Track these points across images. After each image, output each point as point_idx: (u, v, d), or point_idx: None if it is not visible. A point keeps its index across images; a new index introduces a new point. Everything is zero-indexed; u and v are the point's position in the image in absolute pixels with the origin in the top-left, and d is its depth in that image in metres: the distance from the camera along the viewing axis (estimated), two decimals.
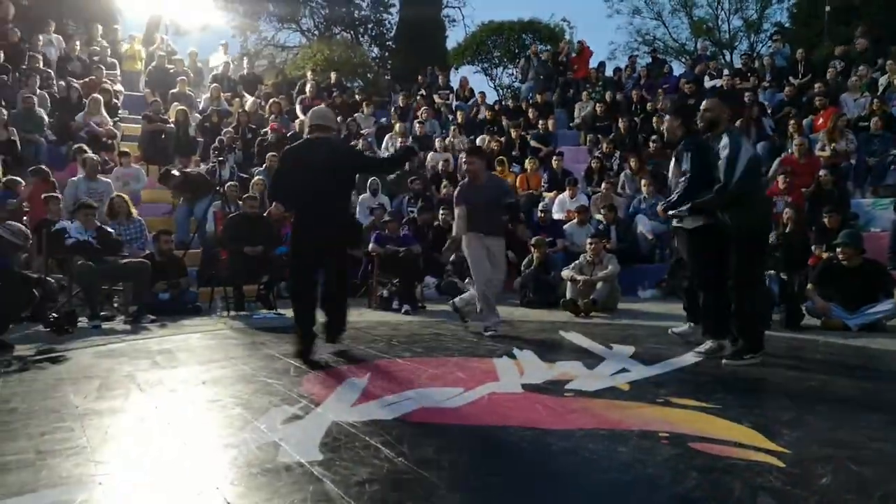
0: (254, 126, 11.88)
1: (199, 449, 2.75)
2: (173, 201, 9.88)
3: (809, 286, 6.09)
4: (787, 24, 24.32)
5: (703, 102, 4.62)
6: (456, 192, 6.09)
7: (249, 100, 13.12)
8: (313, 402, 3.43)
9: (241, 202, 8.10)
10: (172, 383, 3.92)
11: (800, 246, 7.02)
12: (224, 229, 7.49)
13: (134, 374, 4.17)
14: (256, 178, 9.68)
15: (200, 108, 12.84)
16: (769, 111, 11.19)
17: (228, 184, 8.93)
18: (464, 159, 6.25)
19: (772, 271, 6.26)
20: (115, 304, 7.08)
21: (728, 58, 24.82)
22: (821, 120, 10.07)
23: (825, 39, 16.26)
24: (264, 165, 10.35)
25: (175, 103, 11.98)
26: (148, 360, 4.65)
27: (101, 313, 6.45)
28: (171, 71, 13.33)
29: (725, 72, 13.83)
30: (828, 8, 16.63)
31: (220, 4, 21.32)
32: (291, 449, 2.67)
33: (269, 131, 11.53)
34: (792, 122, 9.87)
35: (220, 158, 9.56)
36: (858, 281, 5.76)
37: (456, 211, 5.91)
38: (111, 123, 11.01)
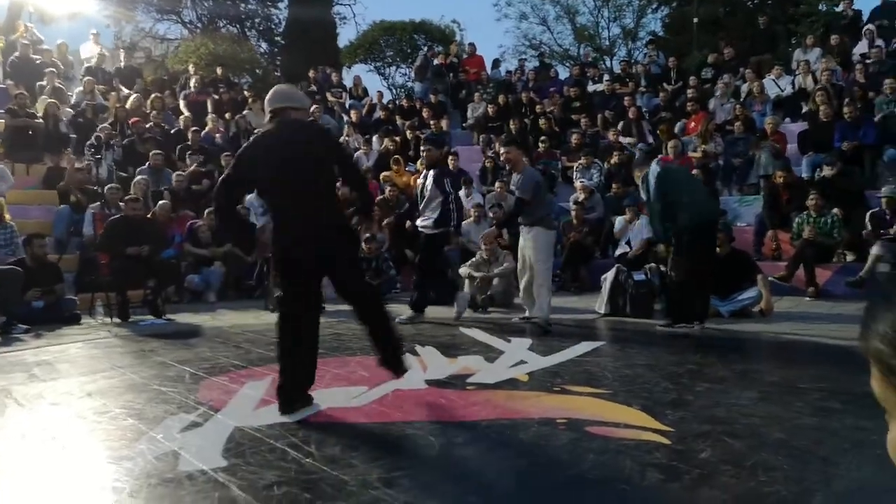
0: (134, 122, 11.21)
1: (91, 463, 2.61)
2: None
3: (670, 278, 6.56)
4: (660, 33, 25.98)
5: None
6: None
7: (128, 94, 12.35)
8: (212, 408, 3.33)
9: (122, 204, 7.62)
10: (54, 396, 3.66)
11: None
12: (104, 233, 7.02)
13: (9, 388, 3.86)
14: (138, 177, 9.15)
15: (72, 102, 11.96)
16: (646, 115, 11.94)
17: (109, 185, 8.39)
18: (502, 150, 5.99)
19: (652, 264, 6.72)
20: None
21: (609, 63, 26.15)
22: (692, 124, 10.87)
23: (694, 48, 17.52)
24: (147, 164, 9.81)
25: (43, 97, 11.10)
26: (24, 372, 4.32)
27: None
28: (38, 62, 12.32)
29: (606, 77, 14.59)
30: (696, 20, 17.92)
31: None
32: (192, 457, 2.59)
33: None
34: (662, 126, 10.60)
35: (98, 156, 8.97)
36: (728, 270, 6.29)
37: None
38: None
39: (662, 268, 6.69)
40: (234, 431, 2.92)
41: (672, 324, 5.50)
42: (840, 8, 14.72)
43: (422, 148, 6.69)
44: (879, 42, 11.31)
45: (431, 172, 6.34)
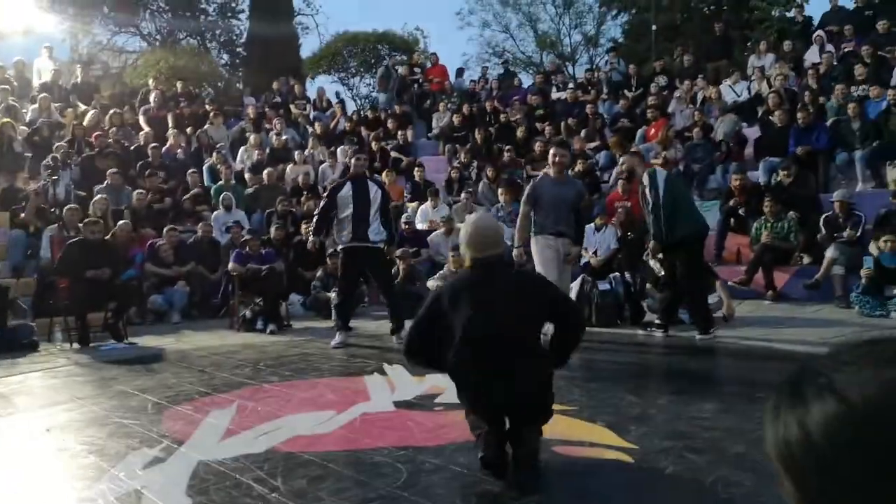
0: (91, 140, 10.98)
1: None
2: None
3: (648, 285, 6.68)
4: (620, 40, 26.41)
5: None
6: (528, 188, 5.60)
7: (85, 111, 12.10)
8: (176, 441, 3.27)
9: (81, 227, 7.44)
10: (10, 433, 3.56)
11: (639, 248, 7.67)
12: (62, 256, 6.85)
13: None
14: (98, 196, 8.96)
15: (27, 119, 11.67)
16: (608, 122, 12.12)
17: (67, 207, 8.20)
18: (553, 151, 5.58)
19: (616, 273, 6.81)
20: None
21: (571, 70, 26.50)
22: (653, 130, 11.07)
23: (652, 54, 17.85)
24: (105, 182, 9.61)
25: None
26: None
27: None
28: None
29: (570, 85, 14.78)
30: (654, 27, 18.27)
31: (45, 5, 19.50)
32: (155, 496, 2.55)
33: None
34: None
35: (54, 177, 8.77)
36: None
37: (521, 210, 5.52)
38: None
39: (628, 276, 6.80)
40: (198, 466, 2.88)
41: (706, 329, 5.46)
42: (792, 14, 15.19)
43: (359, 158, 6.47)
44: (829, 48, 11.68)
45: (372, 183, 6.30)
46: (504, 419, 2.73)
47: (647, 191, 5.47)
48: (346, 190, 6.02)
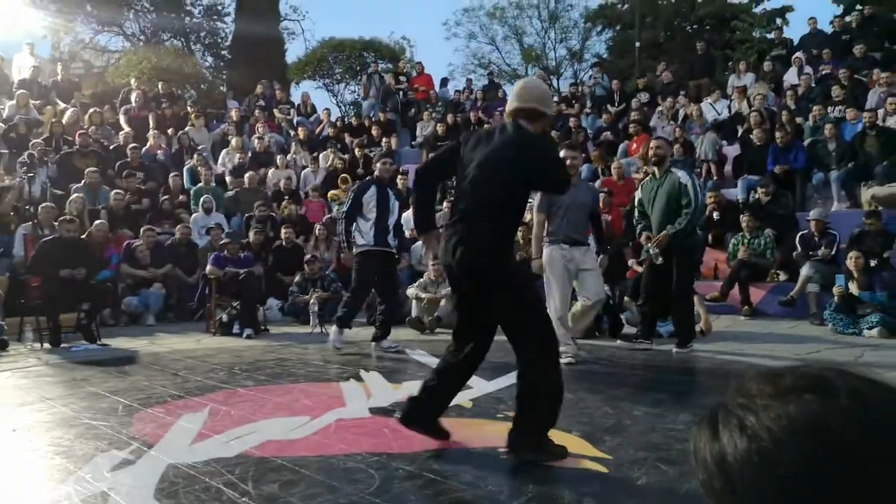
0: (70, 138, 10.84)
1: None
2: None
3: (627, 298, 6.72)
4: (605, 56, 26.72)
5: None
6: (541, 195, 5.10)
7: (64, 109, 11.94)
8: (146, 443, 3.21)
9: (56, 224, 7.34)
10: None
11: (618, 261, 7.74)
12: (35, 255, 6.74)
13: None
14: (74, 195, 8.83)
15: (4, 115, 11.49)
16: (591, 136, 12.24)
17: (42, 205, 8.07)
18: (565, 153, 5.01)
19: None
20: None
21: (556, 84, 26.74)
22: (634, 145, 11.19)
23: (636, 71, 18.09)
24: (83, 181, 9.48)
25: None
26: None
27: None
28: None
29: (554, 98, 14.91)
30: (637, 44, 18.52)
31: (27, 1, 19.29)
32: (122, 499, 2.50)
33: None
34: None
35: (30, 174, 8.62)
36: (666, 290, 6.46)
37: (535, 218, 5.21)
38: None
39: (606, 289, 6.82)
40: (167, 469, 2.83)
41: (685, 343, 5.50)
42: (772, 36, 15.48)
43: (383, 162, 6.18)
44: (808, 69, 11.92)
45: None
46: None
47: (688, 187, 5.30)
48: (372, 193, 5.87)
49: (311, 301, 7.49)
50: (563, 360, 4.10)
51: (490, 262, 2.90)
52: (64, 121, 11.19)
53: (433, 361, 5.20)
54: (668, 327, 6.31)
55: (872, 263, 6.57)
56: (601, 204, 9.20)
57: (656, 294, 5.57)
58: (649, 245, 5.49)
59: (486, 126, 4.56)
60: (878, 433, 0.52)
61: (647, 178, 5.87)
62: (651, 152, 5.48)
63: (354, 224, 5.87)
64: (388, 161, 6.23)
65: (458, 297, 3.14)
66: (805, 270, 7.07)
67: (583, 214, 5.17)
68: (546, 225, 5.13)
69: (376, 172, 6.20)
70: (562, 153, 4.93)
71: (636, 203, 5.84)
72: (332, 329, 6.03)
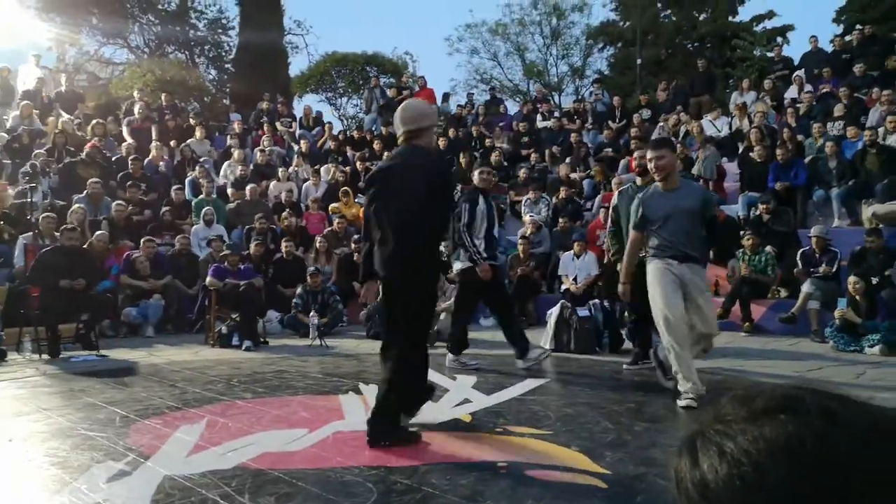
0: (72, 148, 10.88)
1: None
2: None
3: (627, 313, 6.69)
4: (606, 73, 26.88)
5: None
6: (634, 207, 4.48)
7: (68, 120, 11.99)
8: (142, 455, 3.19)
9: (57, 234, 7.35)
10: None
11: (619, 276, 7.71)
12: (35, 264, 6.74)
13: None
14: (76, 206, 8.85)
15: (8, 126, 11.55)
16: (592, 152, 12.28)
17: (44, 215, 8.09)
18: (649, 155, 4.32)
19: (596, 300, 6.84)
20: None
21: (557, 100, 26.89)
22: (635, 161, 11.21)
23: (637, 88, 18.18)
24: (85, 192, 9.50)
25: None
26: None
27: None
28: None
29: (556, 113, 14.99)
30: (639, 61, 18.63)
31: (33, 13, 19.45)
32: None
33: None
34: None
35: (32, 184, 8.65)
36: None
37: (630, 236, 4.57)
38: None
39: (607, 304, 6.82)
40: (163, 480, 2.81)
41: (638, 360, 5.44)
42: (772, 54, 15.58)
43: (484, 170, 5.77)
44: (808, 88, 11.98)
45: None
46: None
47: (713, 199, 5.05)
48: (482, 204, 5.54)
49: (311, 314, 7.48)
50: (682, 402, 4.00)
51: (398, 273, 3.38)
52: (65, 129, 11.21)
53: (433, 375, 5.18)
54: None
55: (874, 281, 6.55)
56: (600, 218, 9.26)
57: (644, 315, 5.43)
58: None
59: (387, 156, 4.71)
60: (852, 449, 0.53)
61: (627, 186, 5.66)
62: (634, 161, 4.92)
63: (456, 235, 5.50)
64: (487, 170, 5.80)
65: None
66: (806, 287, 7.06)
67: (690, 223, 4.21)
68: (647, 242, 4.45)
69: (476, 182, 5.70)
70: (636, 154, 4.49)
71: (611, 209, 5.69)
72: (449, 357, 5.68)
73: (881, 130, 9.54)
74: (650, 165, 4.33)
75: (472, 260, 5.41)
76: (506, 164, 12.11)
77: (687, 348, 4.11)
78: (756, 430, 0.55)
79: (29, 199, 8.24)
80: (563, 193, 10.33)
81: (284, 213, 10.21)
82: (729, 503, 0.54)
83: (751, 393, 0.60)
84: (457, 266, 5.59)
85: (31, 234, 8.03)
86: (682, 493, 0.58)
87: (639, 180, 5.43)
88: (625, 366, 5.55)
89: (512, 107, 18.71)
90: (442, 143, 12.96)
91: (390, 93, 15.32)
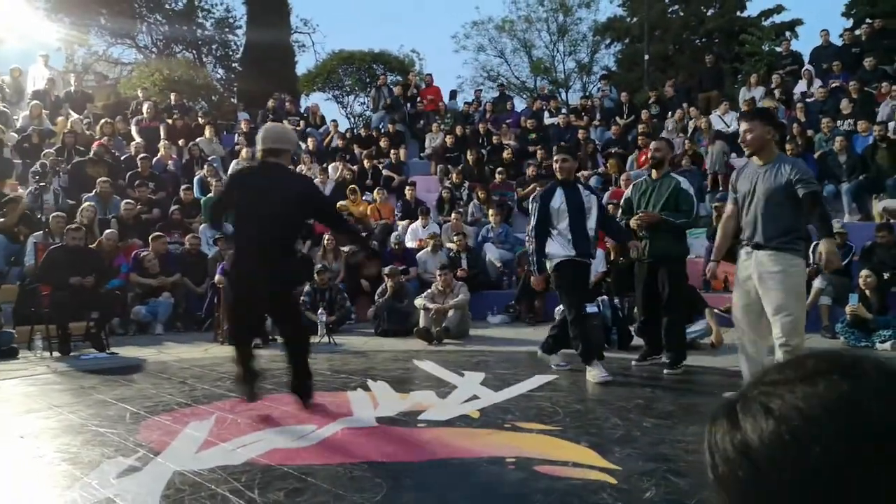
0: (81, 148, 10.94)
1: None
2: None
3: (637, 310, 6.67)
4: (613, 69, 26.79)
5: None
6: (733, 178, 4.18)
7: (77, 119, 12.06)
8: (152, 451, 3.21)
9: (65, 233, 7.39)
10: None
11: (627, 272, 7.69)
12: (43, 262, 6.77)
13: None
14: (85, 204, 8.89)
15: (18, 126, 11.63)
16: (599, 148, 12.24)
17: (53, 214, 8.14)
18: (742, 127, 3.99)
19: (604, 297, 6.81)
20: None
21: (564, 96, 26.81)
22: (643, 157, 11.17)
23: (645, 84, 18.13)
24: (94, 191, 9.55)
25: None
26: None
27: None
28: None
29: (563, 110, 14.95)
30: (646, 57, 18.55)
31: (42, 14, 19.57)
32: None
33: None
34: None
35: (42, 183, 8.71)
36: None
37: (727, 208, 4.23)
38: None
39: (616, 301, 6.79)
40: (173, 476, 2.82)
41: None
42: (780, 48, 15.48)
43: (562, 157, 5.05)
44: (819, 82, 11.89)
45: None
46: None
47: (690, 193, 5.18)
48: (559, 198, 4.89)
49: (319, 311, 7.49)
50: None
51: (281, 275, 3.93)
52: (74, 129, 11.28)
53: (442, 372, 5.20)
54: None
55: (885, 276, 6.50)
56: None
57: (653, 314, 5.37)
58: (634, 220, 5.11)
59: (251, 165, 5.30)
60: None
61: (642, 179, 5.70)
62: (649, 153, 4.77)
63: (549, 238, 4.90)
64: (562, 157, 5.04)
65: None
66: (817, 283, 7.00)
67: (772, 207, 3.77)
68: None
69: (557, 173, 5.05)
70: (741, 125, 4.00)
71: (622, 202, 5.67)
72: (589, 370, 4.84)
73: (892, 125, 9.47)
74: (741, 138, 3.97)
75: (537, 266, 4.94)
76: (513, 160, 12.09)
77: (745, 347, 3.93)
78: (808, 389, 0.54)
79: (40, 199, 8.29)
80: None
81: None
82: (776, 460, 0.53)
83: (798, 358, 0.59)
84: (548, 265, 4.96)
85: (41, 233, 8.08)
86: (719, 458, 0.57)
87: (654, 173, 5.39)
88: (633, 362, 5.54)
89: (519, 104, 18.68)
90: (449, 140, 12.97)
91: (396, 90, 15.31)
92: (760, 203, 3.80)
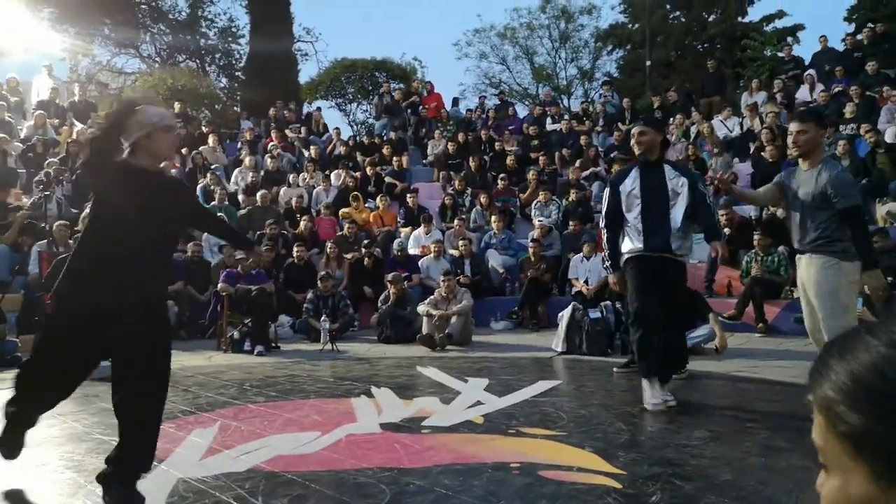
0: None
1: None
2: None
3: (625, 317, 6.65)
4: (615, 75, 26.84)
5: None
6: (782, 175, 3.85)
7: (81, 129, 12.12)
8: (156, 458, 3.19)
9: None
10: None
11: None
12: (50, 272, 6.79)
13: None
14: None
15: (23, 136, 11.69)
16: (602, 154, 12.25)
17: (57, 223, 8.17)
18: (792, 127, 3.70)
19: (608, 302, 6.81)
20: None
21: (566, 103, 26.86)
22: None
23: (647, 90, 18.15)
24: None
25: None
26: None
27: None
28: None
29: (566, 116, 14.97)
30: (648, 62, 18.58)
31: (47, 24, 19.70)
32: None
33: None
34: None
35: (46, 192, 8.74)
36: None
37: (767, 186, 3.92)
38: None
39: (619, 305, 6.78)
40: (177, 483, 2.82)
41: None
42: (782, 54, 15.50)
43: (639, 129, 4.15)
44: (820, 86, 11.89)
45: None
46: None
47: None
48: (632, 180, 4.14)
49: (322, 318, 7.49)
50: None
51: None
52: (78, 139, 11.32)
53: (445, 378, 5.19)
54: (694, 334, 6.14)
55: (888, 280, 6.47)
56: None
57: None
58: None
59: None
60: None
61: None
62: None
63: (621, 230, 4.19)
64: (638, 129, 4.17)
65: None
66: None
67: (814, 212, 3.59)
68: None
69: (635, 150, 4.20)
70: (791, 125, 3.72)
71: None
72: (646, 388, 4.05)
73: (889, 130, 9.45)
74: (790, 138, 3.68)
75: (612, 263, 4.27)
76: (516, 166, 12.10)
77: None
78: None
79: (44, 208, 8.32)
80: (572, 196, 10.30)
81: (304, 218, 10.18)
82: (888, 381, 0.57)
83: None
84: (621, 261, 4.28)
85: (45, 241, 8.11)
86: (837, 392, 0.60)
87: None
88: (615, 368, 5.49)
89: (521, 110, 18.73)
90: (452, 147, 13.00)
91: (396, 95, 15.37)
92: (803, 207, 3.66)
